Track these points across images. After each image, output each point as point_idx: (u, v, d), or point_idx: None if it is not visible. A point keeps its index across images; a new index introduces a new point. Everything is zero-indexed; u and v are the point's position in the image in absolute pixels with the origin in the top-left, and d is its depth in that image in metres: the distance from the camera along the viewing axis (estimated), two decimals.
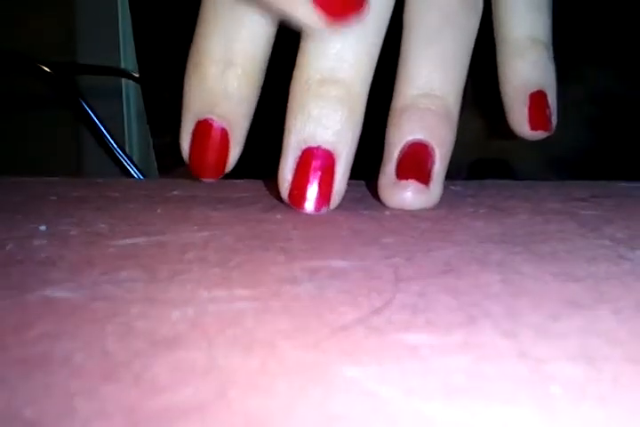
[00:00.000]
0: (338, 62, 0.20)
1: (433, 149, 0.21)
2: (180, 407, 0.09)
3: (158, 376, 0.10)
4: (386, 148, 0.21)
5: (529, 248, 0.17)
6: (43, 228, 0.18)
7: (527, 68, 0.24)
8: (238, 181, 0.26)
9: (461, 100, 0.22)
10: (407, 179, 0.21)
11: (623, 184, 0.25)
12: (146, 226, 0.19)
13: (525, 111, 0.24)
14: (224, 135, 0.21)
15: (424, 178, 0.21)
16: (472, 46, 0.22)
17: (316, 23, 0.18)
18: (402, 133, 0.21)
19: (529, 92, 0.24)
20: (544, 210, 0.21)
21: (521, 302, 0.13)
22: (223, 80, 0.21)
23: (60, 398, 0.10)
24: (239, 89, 0.21)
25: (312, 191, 0.20)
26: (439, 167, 0.21)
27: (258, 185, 0.25)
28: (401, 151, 0.21)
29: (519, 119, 0.24)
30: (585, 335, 0.12)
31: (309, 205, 0.20)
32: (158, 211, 0.21)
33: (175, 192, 0.24)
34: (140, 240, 0.17)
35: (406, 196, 0.21)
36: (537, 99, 0.24)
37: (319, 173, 0.20)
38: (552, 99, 0.25)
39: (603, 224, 0.19)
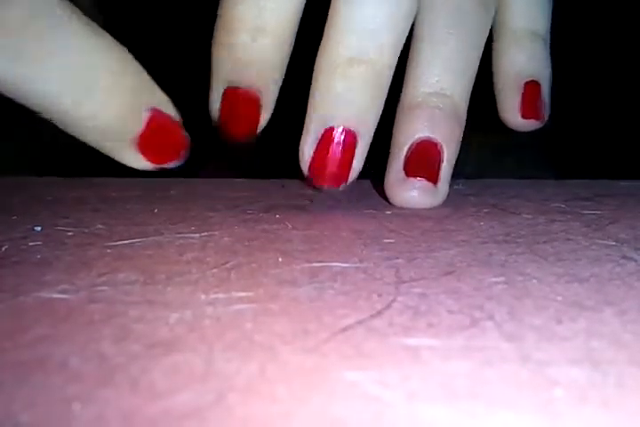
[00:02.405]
0: (369, 41, 0.20)
1: (441, 148, 0.21)
2: (178, 412, 0.09)
3: (156, 380, 0.10)
4: (393, 144, 0.21)
5: (532, 249, 0.17)
6: (38, 228, 0.18)
7: (523, 59, 0.24)
8: (237, 180, 0.26)
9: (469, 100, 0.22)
10: (416, 177, 0.21)
11: (626, 183, 0.25)
12: (143, 227, 0.19)
13: (518, 100, 0.24)
14: (254, 102, 0.21)
15: (433, 176, 0.21)
16: (483, 46, 0.22)
17: (143, 166, 0.19)
18: (411, 131, 0.21)
19: (523, 82, 0.24)
20: (547, 210, 0.21)
21: (524, 304, 0.13)
22: (254, 48, 0.20)
23: (57, 402, 0.09)
24: (271, 57, 0.21)
25: (332, 167, 0.20)
26: (447, 166, 0.21)
27: (257, 185, 0.25)
28: (409, 149, 0.21)
29: (511, 108, 0.24)
30: (589, 338, 0.11)
31: (329, 180, 0.20)
32: (155, 211, 0.21)
33: (173, 192, 0.24)
34: (138, 241, 0.17)
35: (413, 194, 0.21)
36: (530, 88, 0.24)
37: (340, 150, 0.20)
38: (545, 91, 0.24)
39: (607, 224, 0.19)
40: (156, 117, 0.19)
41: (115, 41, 0.18)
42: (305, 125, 0.20)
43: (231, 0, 0.21)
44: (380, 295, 0.13)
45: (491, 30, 0.24)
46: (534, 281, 0.14)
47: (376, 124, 0.20)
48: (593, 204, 0.22)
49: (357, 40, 0.20)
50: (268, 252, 0.17)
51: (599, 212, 0.20)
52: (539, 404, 0.09)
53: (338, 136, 0.20)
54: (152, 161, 0.19)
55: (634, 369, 0.10)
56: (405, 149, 0.21)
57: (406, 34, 0.21)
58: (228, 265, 0.15)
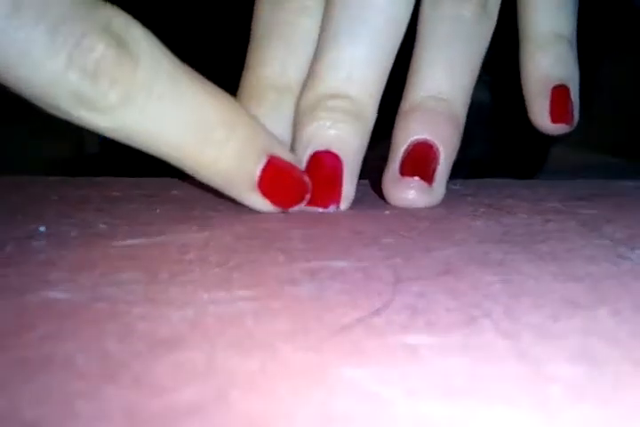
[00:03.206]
0: (348, 82, 0.21)
1: (438, 149, 0.21)
2: (180, 409, 0.09)
3: (159, 378, 0.10)
4: (392, 146, 0.22)
5: (528, 248, 0.17)
6: (42, 228, 0.18)
7: (549, 62, 0.24)
8: None
9: (468, 107, 0.22)
10: (411, 176, 0.21)
11: (622, 183, 0.25)
12: (146, 226, 0.19)
13: (547, 104, 0.24)
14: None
15: (428, 177, 0.21)
16: (484, 54, 0.23)
17: (269, 209, 0.20)
18: (408, 133, 0.21)
19: (551, 86, 0.24)
20: (543, 209, 0.21)
21: (520, 303, 0.13)
22: (279, 107, 0.21)
23: (61, 399, 0.10)
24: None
25: (320, 189, 0.20)
26: (443, 167, 0.21)
27: None
28: (406, 150, 0.21)
29: (541, 113, 0.24)
30: (585, 336, 0.12)
31: (317, 201, 0.20)
32: (158, 211, 0.21)
33: (175, 192, 0.24)
34: (140, 241, 0.17)
35: (409, 193, 0.21)
36: (559, 92, 0.24)
37: (327, 173, 0.20)
38: (574, 93, 0.25)
39: (602, 224, 0.19)
40: (274, 163, 0.19)
41: (225, 93, 0.19)
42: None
43: (255, 58, 0.22)
44: (378, 294, 0.13)
45: (517, 34, 0.25)
46: (531, 280, 0.14)
47: (362, 152, 0.21)
48: (588, 203, 0.22)
49: (337, 80, 0.21)
50: (269, 251, 0.17)
51: (595, 211, 0.21)
52: (535, 401, 0.09)
53: (323, 162, 0.20)
54: (276, 204, 0.20)
55: (629, 366, 0.10)
56: (402, 149, 0.21)
57: (392, 61, 0.21)
58: (229, 264, 0.15)
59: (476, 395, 0.10)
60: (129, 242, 0.17)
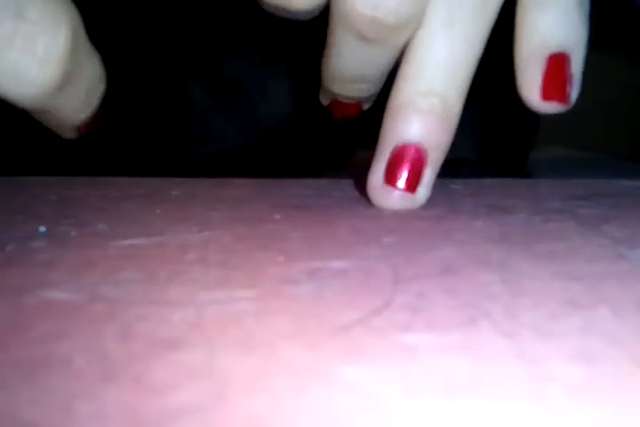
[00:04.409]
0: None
1: (426, 153, 0.20)
2: (179, 409, 0.09)
3: (158, 378, 0.10)
4: (379, 144, 0.21)
5: (528, 248, 0.17)
6: (42, 229, 0.18)
7: (549, 24, 0.20)
8: (238, 180, 0.26)
9: (464, 100, 0.21)
10: (395, 184, 0.20)
11: (622, 183, 0.25)
12: (145, 226, 0.19)
13: (539, 76, 0.20)
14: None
15: (412, 185, 0.20)
16: (485, 41, 0.20)
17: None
18: (396, 133, 0.20)
19: (547, 53, 0.20)
20: (543, 209, 0.21)
21: (520, 302, 0.13)
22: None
23: (60, 399, 0.10)
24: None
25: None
26: (430, 171, 0.21)
27: (258, 184, 0.25)
28: (393, 152, 0.20)
29: (530, 86, 0.20)
30: (584, 335, 0.12)
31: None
32: (158, 211, 0.21)
33: (175, 192, 0.24)
34: (140, 241, 0.17)
35: (392, 200, 0.21)
36: (556, 62, 0.20)
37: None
38: (576, 64, 0.20)
39: (602, 223, 0.19)
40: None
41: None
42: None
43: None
44: (378, 294, 0.13)
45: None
46: (530, 279, 0.14)
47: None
48: (588, 203, 0.22)
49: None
50: (269, 251, 0.17)
51: (594, 211, 0.21)
52: (534, 400, 0.10)
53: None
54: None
55: (628, 365, 0.10)
56: (389, 152, 0.20)
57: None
58: (229, 264, 0.16)
59: (475, 394, 0.10)
60: (128, 242, 0.17)
